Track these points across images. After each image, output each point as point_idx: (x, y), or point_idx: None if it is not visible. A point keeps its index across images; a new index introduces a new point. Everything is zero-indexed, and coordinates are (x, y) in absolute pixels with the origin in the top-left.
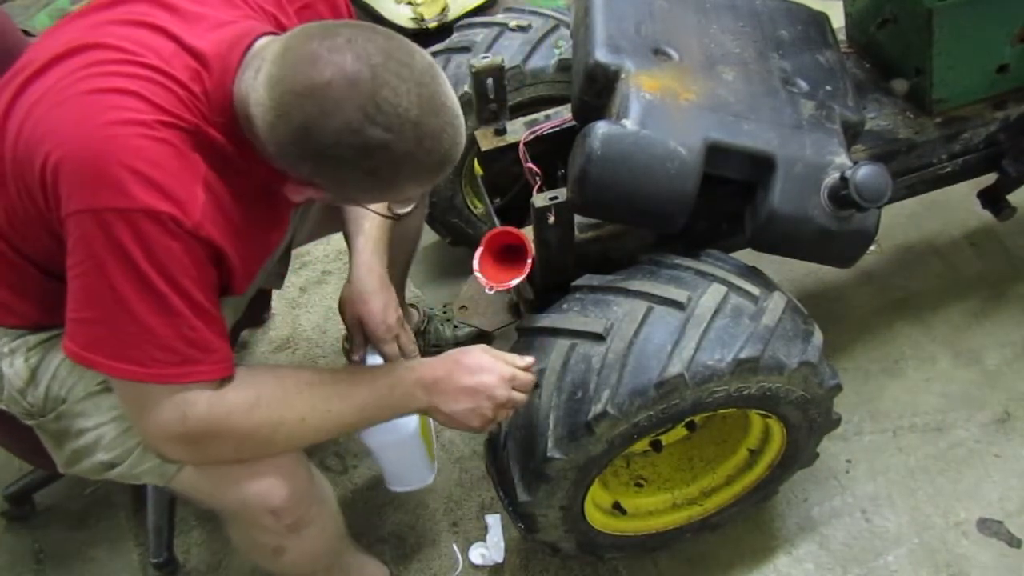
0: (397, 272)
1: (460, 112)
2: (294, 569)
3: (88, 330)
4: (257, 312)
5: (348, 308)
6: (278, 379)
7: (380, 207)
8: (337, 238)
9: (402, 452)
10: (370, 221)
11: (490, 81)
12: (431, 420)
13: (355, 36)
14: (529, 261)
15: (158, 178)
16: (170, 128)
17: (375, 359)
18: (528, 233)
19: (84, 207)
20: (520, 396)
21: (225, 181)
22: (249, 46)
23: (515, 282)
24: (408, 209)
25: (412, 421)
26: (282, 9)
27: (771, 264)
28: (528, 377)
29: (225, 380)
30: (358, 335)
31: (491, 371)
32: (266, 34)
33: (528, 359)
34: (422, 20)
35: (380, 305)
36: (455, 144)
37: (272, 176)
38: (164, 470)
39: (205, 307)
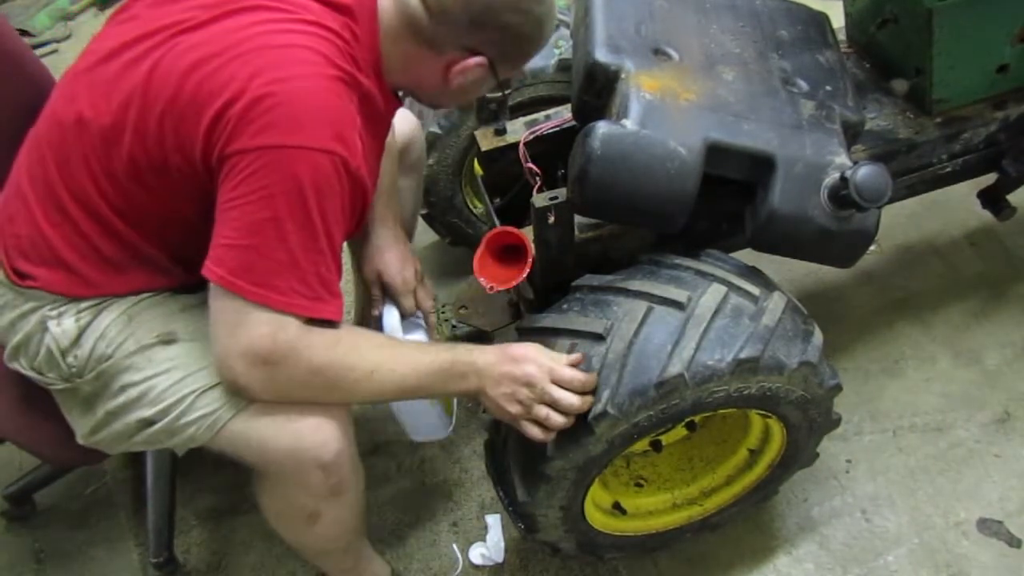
0: (408, 218)
1: None
2: (320, 541)
3: (241, 255)
4: None
5: (366, 264)
6: (358, 332)
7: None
8: None
9: (415, 404)
10: (380, 178)
11: None
12: None
13: None
14: (529, 261)
15: (335, 124)
16: (339, 81)
17: (392, 313)
18: (528, 233)
19: (269, 143)
20: (566, 395)
21: (368, 126)
22: None
23: (515, 282)
24: (510, 90)
25: None
26: None
27: (771, 264)
28: (570, 374)
29: (327, 323)
30: (377, 290)
31: (533, 361)
32: None
33: (575, 356)
34: None
35: (397, 258)
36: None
37: (390, 112)
38: (214, 419)
39: (339, 255)
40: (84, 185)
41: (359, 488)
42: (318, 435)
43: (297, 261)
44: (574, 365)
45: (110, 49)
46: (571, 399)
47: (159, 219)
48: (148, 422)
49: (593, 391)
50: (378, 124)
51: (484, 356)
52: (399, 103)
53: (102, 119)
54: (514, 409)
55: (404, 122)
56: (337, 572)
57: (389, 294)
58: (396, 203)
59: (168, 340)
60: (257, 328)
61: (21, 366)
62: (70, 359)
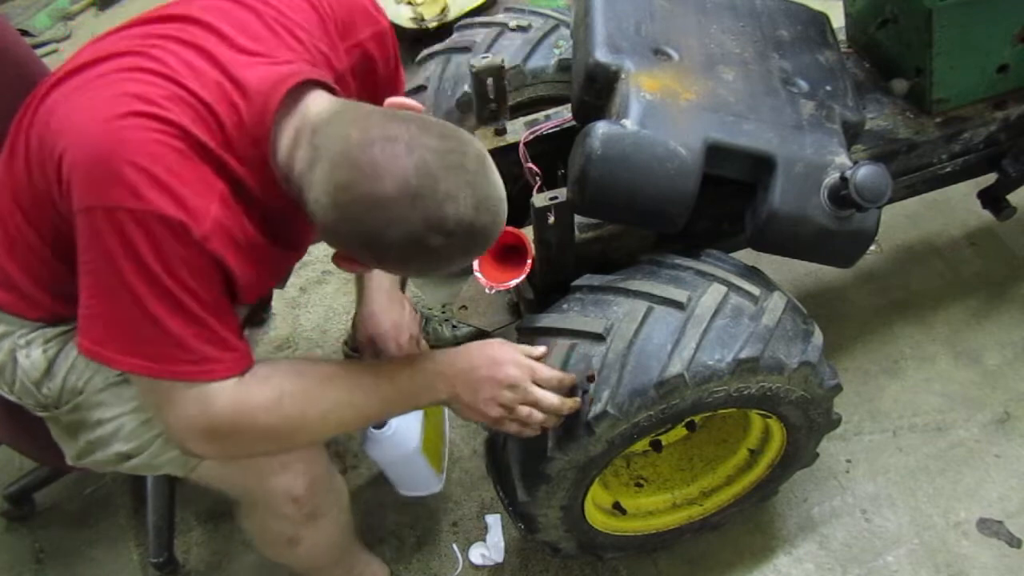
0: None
1: (504, 195)
2: (305, 561)
3: (101, 325)
4: (258, 311)
5: (360, 328)
6: (300, 374)
7: None
8: None
9: (405, 467)
10: None
11: (490, 81)
12: (446, 428)
13: (412, 142)
14: (529, 261)
15: (172, 184)
16: (192, 146)
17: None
18: (528, 233)
19: (96, 203)
20: (547, 395)
21: (243, 208)
22: (293, 88)
23: (515, 282)
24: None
25: (414, 438)
26: (334, 49)
27: (771, 264)
28: (549, 373)
29: (244, 373)
30: (369, 355)
31: (513, 361)
32: (312, 81)
33: (540, 349)
34: (422, 20)
35: (390, 324)
36: (500, 226)
37: (294, 211)
38: (186, 460)
39: (215, 307)
40: (14, 212)
41: (339, 507)
42: (284, 474)
43: (163, 327)
44: (540, 358)
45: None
46: (552, 399)
47: (65, 252)
48: (126, 456)
49: (573, 389)
50: (261, 207)
51: (452, 361)
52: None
53: (30, 141)
54: (495, 413)
55: None
56: None
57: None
58: None
59: (130, 379)
60: (183, 406)
61: (4, 392)
62: (44, 390)
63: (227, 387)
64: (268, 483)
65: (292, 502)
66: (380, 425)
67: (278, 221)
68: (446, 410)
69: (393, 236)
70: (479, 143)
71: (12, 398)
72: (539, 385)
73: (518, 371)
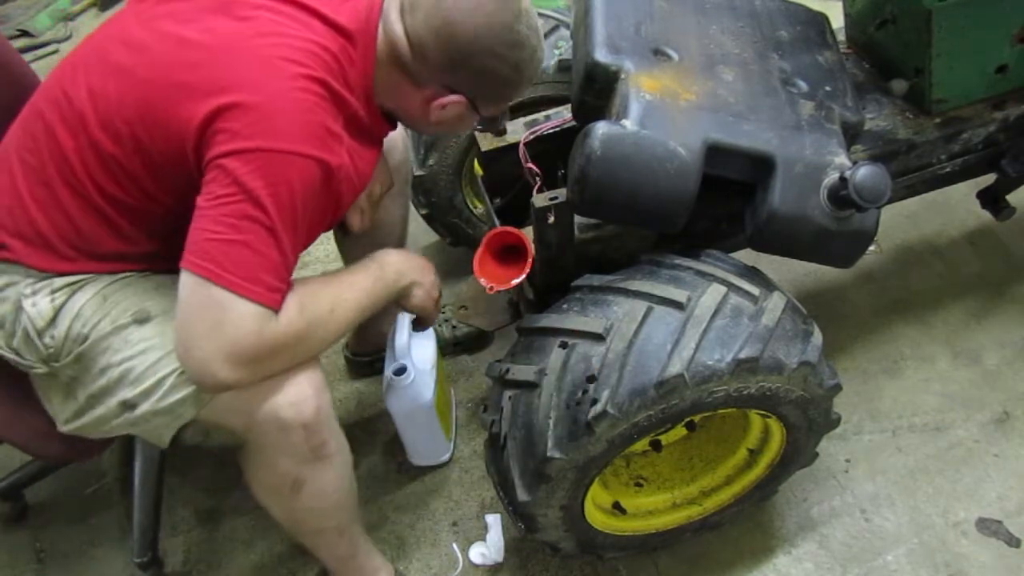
0: (396, 237)
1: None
2: (308, 514)
3: (229, 250)
4: None
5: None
6: (305, 284)
7: (488, 120)
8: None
9: (420, 421)
10: None
11: None
12: (452, 401)
13: None
14: (529, 261)
15: (323, 135)
16: (324, 98)
17: (403, 321)
18: (528, 233)
19: (263, 147)
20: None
21: (355, 145)
22: (379, 10)
23: (515, 282)
24: (503, 125)
25: (428, 390)
26: None
27: (771, 264)
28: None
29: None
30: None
31: (418, 256)
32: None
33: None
34: None
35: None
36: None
37: (379, 136)
38: (198, 398)
39: (305, 243)
40: (74, 166)
41: (343, 460)
42: (293, 394)
43: (284, 260)
44: None
45: (115, 35)
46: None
47: (142, 202)
48: (130, 405)
49: None
50: (366, 143)
51: (401, 254)
52: (390, 127)
53: (100, 103)
54: (436, 293)
55: (393, 148)
56: (335, 560)
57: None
58: None
59: (142, 319)
60: (242, 327)
61: (0, 347)
62: (47, 339)
63: (273, 314)
64: (279, 405)
65: (302, 427)
66: (400, 372)
67: (368, 150)
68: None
69: (493, 29)
70: None
71: (9, 355)
72: None
73: (423, 260)
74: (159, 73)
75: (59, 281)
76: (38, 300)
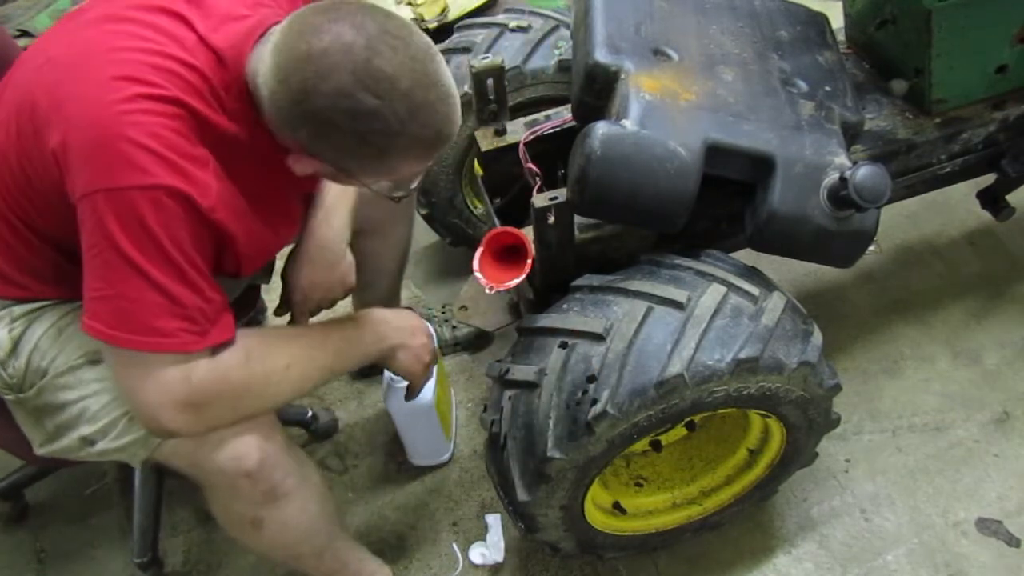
0: (389, 282)
1: (455, 92)
2: (276, 547)
3: (112, 306)
4: (248, 310)
5: (287, 268)
6: (260, 335)
7: (380, 188)
8: None
9: (420, 422)
10: (331, 192)
11: (490, 81)
12: (453, 400)
13: (357, 12)
14: (529, 261)
15: (176, 160)
16: (184, 120)
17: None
18: (528, 233)
19: (101, 187)
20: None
21: (237, 171)
22: (261, 36)
23: (515, 282)
24: (404, 193)
25: (429, 393)
26: (294, 4)
27: (771, 264)
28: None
29: (224, 344)
30: (285, 298)
31: (415, 316)
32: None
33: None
34: (422, 21)
35: (306, 274)
36: (449, 120)
37: (287, 173)
38: (148, 441)
39: (212, 280)
40: None
41: (308, 491)
42: (236, 445)
43: (172, 299)
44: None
45: (28, 55)
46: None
47: (60, 235)
48: (90, 441)
49: None
50: (256, 166)
51: (391, 316)
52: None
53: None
54: (428, 358)
55: None
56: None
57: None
58: (339, 216)
59: (94, 359)
60: (166, 378)
61: None
62: (10, 370)
63: (203, 358)
64: (220, 455)
65: (245, 477)
66: None
67: (272, 186)
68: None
69: (324, 90)
70: (428, 39)
71: None
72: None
73: (419, 322)
74: (30, 96)
75: (17, 310)
76: None
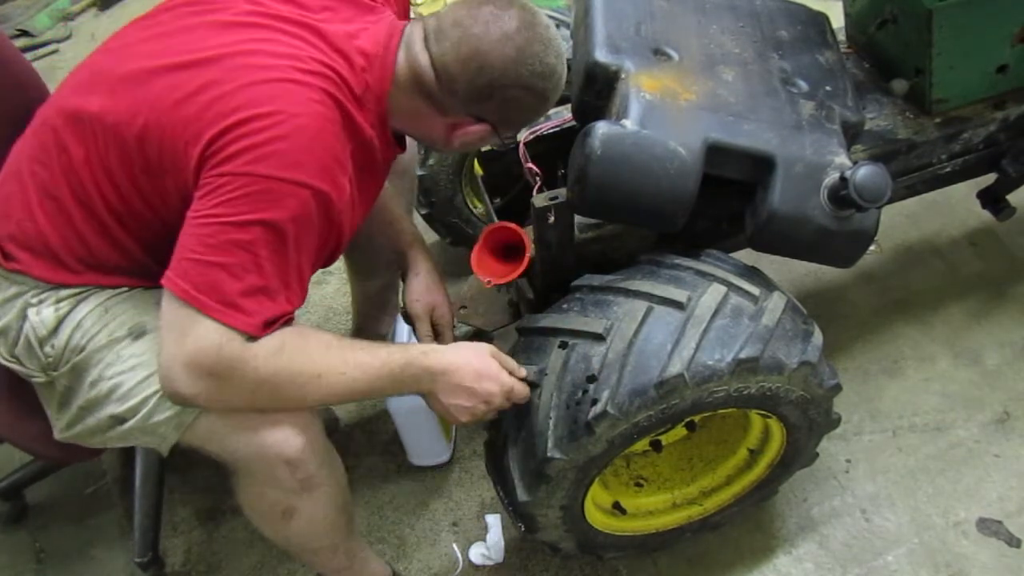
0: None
1: (562, 50)
2: (301, 537)
3: (208, 272)
4: None
5: (423, 297)
6: (303, 335)
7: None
8: None
9: (418, 421)
10: (407, 223)
11: None
12: None
13: (502, 10)
14: (527, 256)
15: (328, 164)
16: (339, 125)
17: (403, 322)
18: (527, 232)
19: (263, 173)
20: (508, 405)
21: (358, 169)
22: (398, 43)
23: (513, 276)
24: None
25: None
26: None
27: (771, 264)
28: (525, 392)
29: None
30: (425, 325)
31: (495, 380)
32: (402, 27)
33: (527, 369)
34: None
35: (445, 296)
36: (563, 76)
37: (387, 161)
38: (181, 419)
39: (305, 286)
40: (83, 178)
41: (336, 484)
42: (277, 431)
43: (265, 287)
44: (523, 378)
45: (131, 49)
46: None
47: (147, 221)
48: (119, 419)
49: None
50: (371, 173)
51: (442, 360)
52: (399, 150)
53: (109, 118)
54: (464, 419)
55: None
56: (331, 572)
57: (438, 327)
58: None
59: (138, 334)
60: (205, 339)
61: (1, 356)
62: (47, 348)
63: (245, 337)
64: (261, 440)
65: (285, 464)
66: None
67: (373, 176)
68: None
69: (524, 63)
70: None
71: (11, 363)
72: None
73: (497, 388)
74: (167, 94)
75: (65, 292)
76: (43, 309)
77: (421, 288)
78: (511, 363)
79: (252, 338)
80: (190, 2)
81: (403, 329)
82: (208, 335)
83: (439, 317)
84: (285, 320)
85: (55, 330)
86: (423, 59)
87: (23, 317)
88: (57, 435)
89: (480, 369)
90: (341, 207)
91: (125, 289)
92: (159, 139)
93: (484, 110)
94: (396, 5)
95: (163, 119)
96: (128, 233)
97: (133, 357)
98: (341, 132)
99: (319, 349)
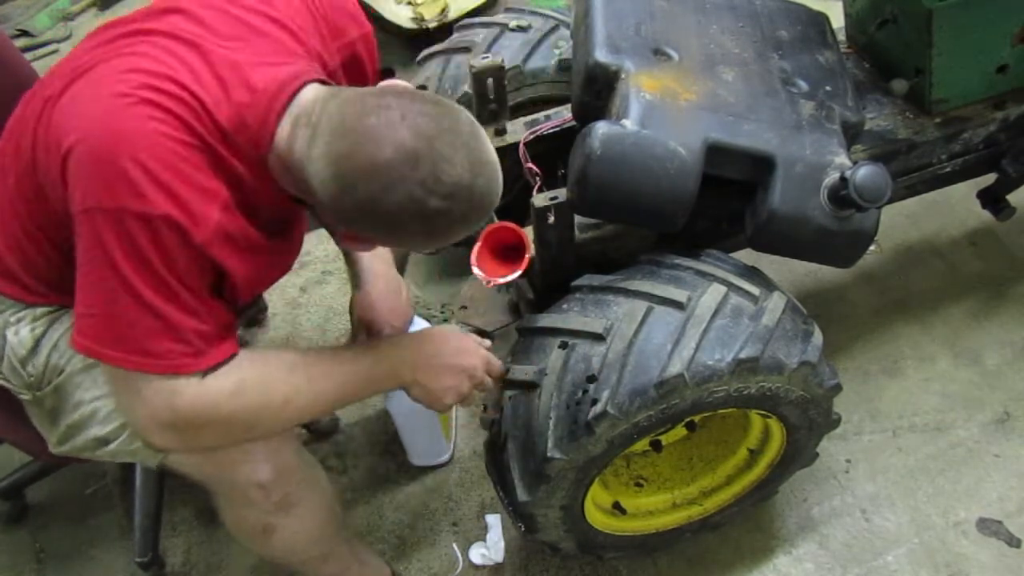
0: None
1: (497, 159)
2: (285, 552)
3: (105, 324)
4: (258, 312)
5: (356, 312)
6: (262, 363)
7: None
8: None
9: (418, 421)
10: None
11: (490, 81)
12: (453, 408)
13: (406, 109)
14: (527, 256)
15: (175, 186)
16: (197, 149)
17: None
18: (528, 232)
19: (99, 205)
20: (490, 382)
21: (249, 207)
22: (296, 91)
23: (513, 276)
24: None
25: None
26: (326, 48)
27: (771, 264)
28: (499, 364)
29: (221, 364)
30: (363, 335)
31: (475, 353)
32: (312, 81)
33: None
34: (422, 20)
35: (387, 310)
36: (497, 193)
37: (289, 208)
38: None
39: (208, 302)
40: (14, 199)
41: (316, 500)
42: (249, 461)
43: (166, 322)
44: (488, 349)
45: (52, 74)
46: (491, 384)
47: (65, 246)
48: (103, 440)
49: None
50: (259, 206)
51: (415, 348)
52: (300, 207)
53: (21, 140)
54: (451, 399)
55: None
56: None
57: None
58: (387, 252)
59: None
60: (152, 399)
61: None
62: (29, 368)
63: (193, 381)
64: (231, 471)
65: (258, 488)
66: None
67: (272, 217)
68: None
69: (393, 201)
70: (467, 112)
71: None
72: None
73: (478, 360)
74: (37, 116)
75: (40, 310)
76: (20, 329)
77: (355, 301)
78: (476, 337)
79: (201, 374)
80: (145, 14)
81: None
82: (153, 394)
83: (380, 330)
84: (223, 342)
85: (33, 350)
86: (296, 145)
87: (3, 337)
88: (52, 449)
89: (459, 345)
90: (203, 238)
91: None
92: (34, 168)
93: (362, 228)
94: (343, 60)
95: (36, 145)
96: (63, 257)
97: (107, 383)
98: (199, 158)
99: (280, 373)
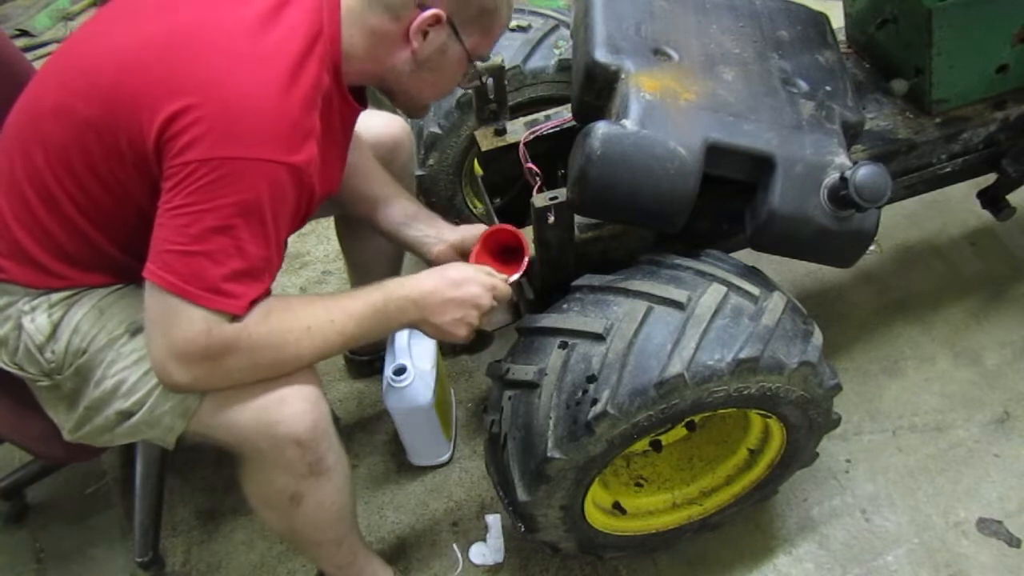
0: (390, 260)
1: None
2: (307, 526)
3: (190, 261)
4: None
5: (443, 248)
6: (284, 298)
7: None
8: (336, 238)
9: (419, 421)
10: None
11: (490, 81)
12: (452, 401)
13: None
14: (526, 258)
15: (294, 134)
16: (309, 87)
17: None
18: (527, 233)
19: (228, 155)
20: (496, 304)
21: (325, 126)
22: None
23: (512, 278)
24: (476, 80)
25: (428, 391)
26: None
27: (771, 264)
28: (507, 288)
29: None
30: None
31: (475, 281)
32: None
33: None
34: None
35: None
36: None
37: (352, 115)
38: (186, 407)
39: (283, 252)
40: (46, 180)
41: (342, 473)
42: (286, 409)
43: (249, 269)
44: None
45: (83, 36)
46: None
47: (116, 214)
48: (126, 414)
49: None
50: (336, 130)
51: (420, 285)
52: (361, 106)
53: (63, 117)
54: (463, 332)
55: (391, 126)
56: (334, 568)
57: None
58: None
59: (135, 330)
60: (192, 327)
61: (4, 363)
62: (48, 354)
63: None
64: (270, 418)
65: (295, 444)
66: (400, 372)
67: (339, 134)
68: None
69: None
70: None
71: (13, 369)
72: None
73: (479, 288)
74: (119, 79)
75: (56, 296)
76: (36, 316)
77: (440, 238)
78: (485, 267)
79: (238, 318)
80: None
81: (401, 336)
82: (194, 323)
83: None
84: (266, 281)
85: (52, 335)
86: None
87: (19, 326)
88: (66, 437)
89: (456, 277)
90: (311, 173)
91: (115, 287)
92: (112, 116)
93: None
94: None
95: (115, 113)
96: (101, 231)
97: (134, 352)
98: (311, 95)
99: (302, 306)
